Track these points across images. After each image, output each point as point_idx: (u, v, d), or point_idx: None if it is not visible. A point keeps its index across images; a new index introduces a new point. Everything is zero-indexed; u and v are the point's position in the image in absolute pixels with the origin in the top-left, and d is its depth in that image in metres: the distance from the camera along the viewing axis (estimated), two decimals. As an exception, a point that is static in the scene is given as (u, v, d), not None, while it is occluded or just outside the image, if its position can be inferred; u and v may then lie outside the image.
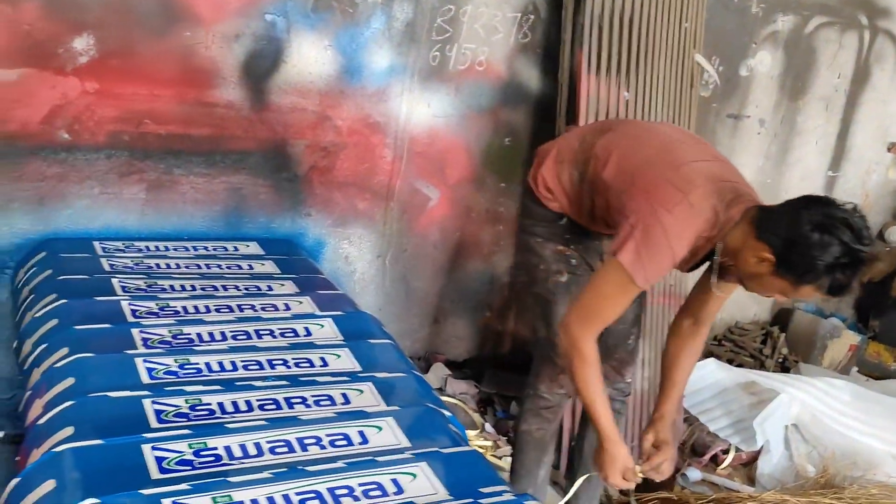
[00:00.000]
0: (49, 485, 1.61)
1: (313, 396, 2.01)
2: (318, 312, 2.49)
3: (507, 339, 3.86)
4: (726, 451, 3.59)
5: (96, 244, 2.80)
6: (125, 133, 2.84)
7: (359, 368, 2.19)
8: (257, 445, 1.78)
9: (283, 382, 2.07)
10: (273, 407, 1.96)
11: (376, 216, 3.34)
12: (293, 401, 1.99)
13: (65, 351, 2.09)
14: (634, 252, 2.14)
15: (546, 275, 2.57)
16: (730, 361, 4.30)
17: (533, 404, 2.72)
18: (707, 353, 4.24)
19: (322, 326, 2.40)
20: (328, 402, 2.00)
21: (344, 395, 2.03)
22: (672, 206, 2.14)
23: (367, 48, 3.10)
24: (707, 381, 3.87)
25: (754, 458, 3.57)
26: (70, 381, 1.95)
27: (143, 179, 2.91)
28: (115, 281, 2.51)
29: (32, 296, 2.46)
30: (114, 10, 2.70)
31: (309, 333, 2.36)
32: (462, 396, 3.43)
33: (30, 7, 2.60)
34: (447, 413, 2.05)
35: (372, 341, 2.36)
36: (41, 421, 1.85)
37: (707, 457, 3.55)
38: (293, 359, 2.20)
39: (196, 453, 1.73)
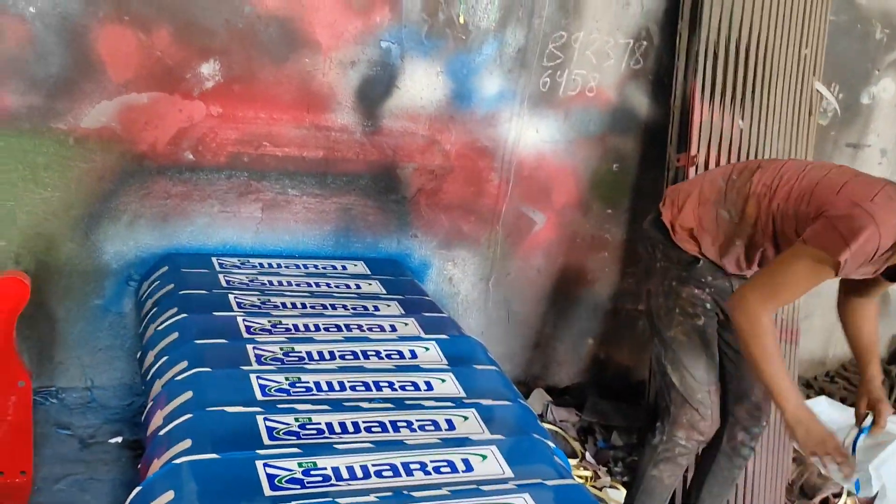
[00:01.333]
0: (168, 495, 1.68)
1: (418, 421, 2.04)
2: (423, 335, 2.52)
3: (609, 367, 3.81)
4: (838, 495, 3.43)
5: (214, 260, 2.93)
6: (245, 154, 2.96)
7: (463, 394, 2.20)
8: (364, 468, 1.82)
9: (389, 405, 2.10)
10: (379, 429, 1.99)
11: (481, 239, 3.37)
12: (399, 424, 2.02)
13: (184, 364, 2.18)
14: (836, 235, 2.12)
15: (680, 319, 2.54)
16: (843, 400, 4.11)
17: (669, 451, 2.64)
18: (819, 391, 4.08)
19: (427, 349, 2.44)
20: (433, 428, 2.02)
21: (448, 421, 2.05)
22: (871, 195, 2.15)
23: (478, 74, 3.14)
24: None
25: (869, 503, 3.40)
26: (189, 394, 2.04)
27: (259, 199, 3.02)
28: (231, 297, 2.61)
29: (155, 308, 2.59)
30: (239, 38, 2.83)
31: (414, 356, 2.40)
32: (563, 424, 3.41)
33: (162, 34, 2.74)
34: (552, 444, 2.04)
35: (477, 367, 2.37)
36: (162, 432, 1.93)
37: (818, 500, 3.41)
38: (399, 381, 2.23)
39: (306, 472, 1.77)
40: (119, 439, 2.76)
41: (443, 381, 2.26)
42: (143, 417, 2.13)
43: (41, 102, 2.68)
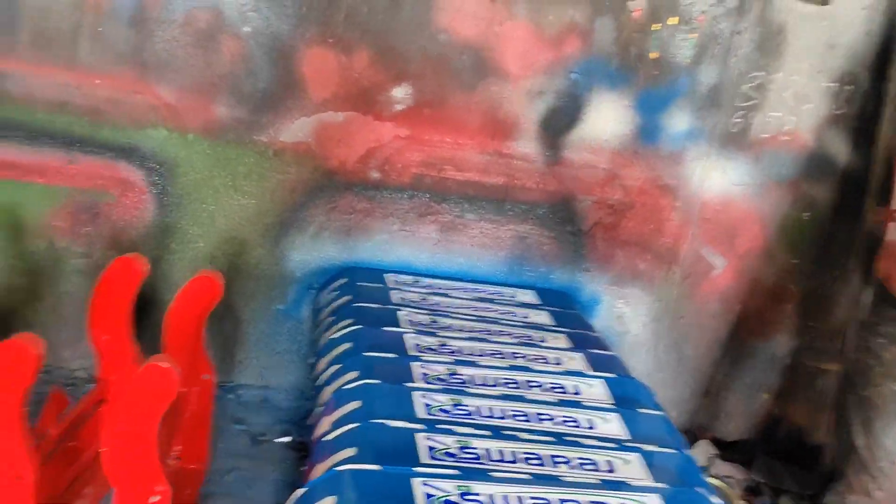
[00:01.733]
0: (329, 501, 1.74)
1: (578, 459, 2.00)
2: (589, 372, 2.47)
3: (783, 425, 3.58)
4: None
5: (389, 276, 3.02)
6: (428, 177, 3.04)
7: (627, 437, 2.14)
8: (520, 500, 1.80)
9: (549, 438, 2.07)
10: (537, 462, 1.97)
11: (656, 279, 3.27)
12: (557, 459, 1.98)
13: (355, 374, 2.25)
14: None
15: (882, 379, 2.37)
16: None
17: None
18: None
19: (592, 387, 2.39)
20: (592, 468, 1.97)
21: (609, 463, 1.99)
22: None
23: (667, 110, 3.07)
24: None
25: None
26: (357, 403, 2.10)
27: (437, 221, 3.09)
28: (401, 314, 2.67)
29: (331, 318, 2.69)
30: (433, 64, 2.91)
31: (578, 392, 2.35)
32: (728, 480, 3.23)
33: (362, 57, 2.87)
34: (716, 500, 1.94)
35: (642, 410, 2.30)
36: (328, 438, 2.00)
37: None
38: (560, 416, 2.20)
39: (462, 496, 1.78)
40: (287, 440, 2.89)
41: (606, 420, 2.20)
42: (310, 422, 2.21)
43: (247, 116, 2.88)
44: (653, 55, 3.00)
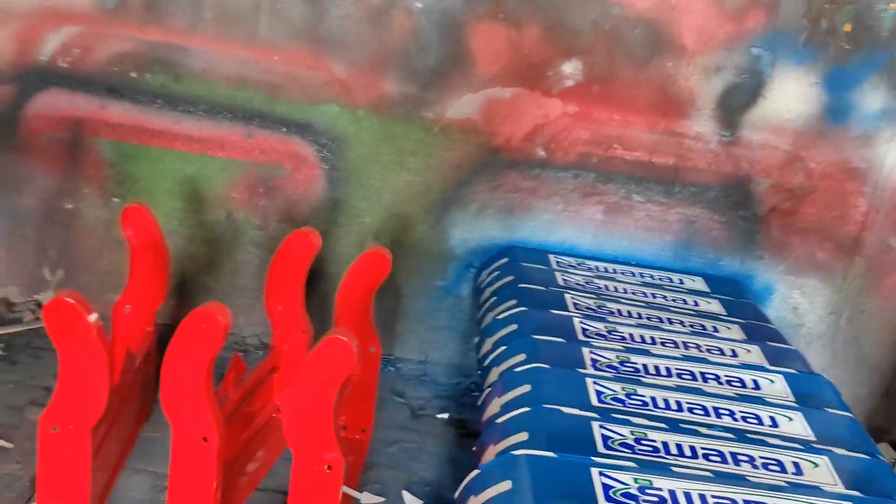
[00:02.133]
0: (505, 485, 1.71)
1: (762, 458, 1.89)
2: (767, 366, 2.35)
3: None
4: None
5: (551, 257, 2.96)
6: (594, 155, 2.95)
7: (813, 438, 2.01)
8: (702, 498, 1.72)
9: (729, 435, 1.97)
10: (718, 459, 1.88)
11: (836, 269, 3.06)
12: (740, 458, 1.89)
13: (522, 357, 2.22)
14: None
15: None
16: None
17: None
18: None
19: (772, 382, 2.26)
20: (777, 469, 1.86)
21: (796, 465, 1.88)
22: None
23: (860, 88, 2.85)
24: None
25: None
26: (526, 387, 2.07)
27: (602, 202, 3.00)
28: (567, 296, 2.62)
29: (494, 298, 2.67)
30: (604, 39, 2.82)
31: (757, 387, 2.23)
32: (909, 487, 3.01)
33: (532, 32, 2.81)
34: (918, 514, 1.79)
35: (829, 410, 2.16)
36: (499, 420, 1.98)
37: None
38: (740, 411, 2.09)
39: (641, 490, 1.71)
40: (446, 416, 2.90)
41: (790, 419, 2.08)
42: (479, 402, 2.20)
43: (415, 91, 2.88)
44: (846, 28, 2.78)
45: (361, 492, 2.42)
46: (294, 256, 2.51)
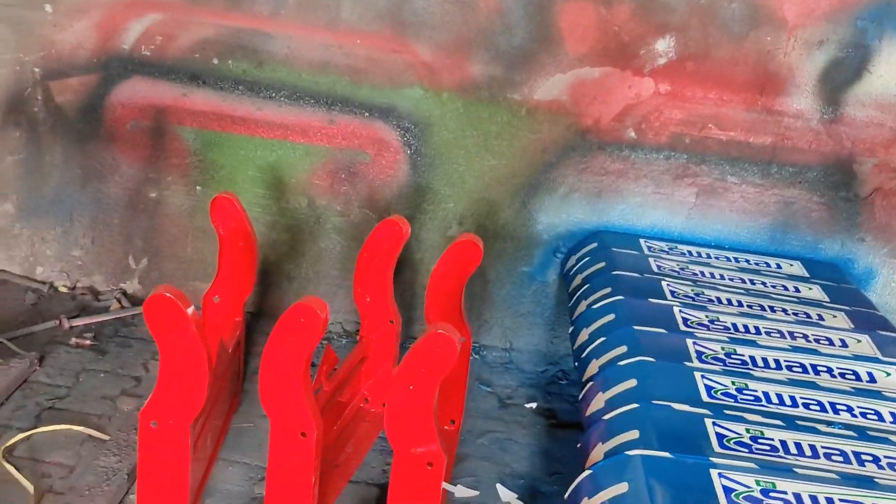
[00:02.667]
0: (621, 487, 1.65)
1: (887, 458, 1.78)
2: (881, 357, 2.22)
3: None
4: None
5: (642, 242, 2.86)
6: (687, 136, 2.84)
7: (941, 436, 1.89)
8: (829, 501, 1.63)
9: (850, 433, 1.87)
10: (841, 459, 1.78)
11: (945, 252, 2.91)
12: (864, 458, 1.79)
13: (623, 349, 2.14)
14: None
15: None
16: None
17: None
18: None
19: (888, 375, 2.14)
20: (907, 470, 1.76)
21: (926, 466, 1.77)
22: None
23: (977, 61, 2.68)
24: None
25: None
26: (632, 382, 1.99)
27: (695, 184, 2.89)
28: (663, 284, 2.52)
29: (587, 285, 2.59)
30: (698, 13, 2.70)
31: (873, 380, 2.12)
32: None
33: (622, 9, 2.70)
34: None
35: (955, 407, 2.03)
36: (605, 416, 1.91)
37: None
38: (858, 407, 1.98)
39: (765, 493, 1.63)
40: (534, 405, 2.84)
41: (913, 415, 1.96)
42: (580, 396, 2.13)
43: (501, 73, 2.79)
44: (963, -4, 2.62)
45: (455, 484, 2.38)
46: (383, 245, 2.46)
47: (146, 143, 2.95)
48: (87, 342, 2.81)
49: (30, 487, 2.15)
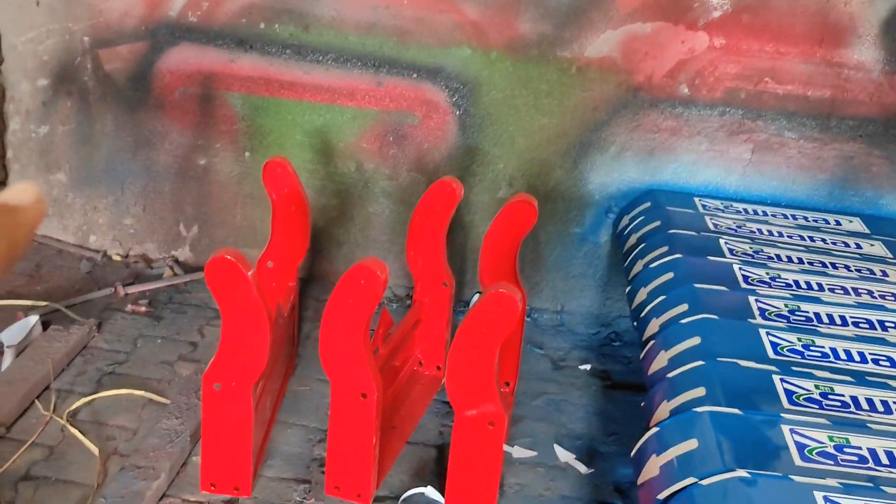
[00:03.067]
0: (691, 443, 1.63)
1: (963, 413, 1.74)
2: (948, 313, 2.17)
3: None
4: None
5: (696, 200, 2.81)
6: (742, 91, 2.77)
7: None
8: (906, 457, 1.60)
9: (923, 388, 1.83)
10: (915, 415, 1.74)
11: None
12: (939, 413, 1.75)
13: (684, 307, 2.11)
14: None
15: None
16: None
17: None
18: None
19: (958, 330, 2.09)
20: (983, 425, 1.71)
21: None
22: None
23: None
24: None
25: None
26: (695, 340, 1.96)
27: (751, 140, 2.82)
28: (721, 242, 2.48)
29: (643, 244, 2.55)
30: (756, -37, 2.62)
31: (942, 336, 2.07)
32: None
33: (676, -39, 2.63)
34: None
35: None
36: (670, 375, 1.88)
37: None
38: (929, 362, 1.94)
39: (838, 448, 1.60)
40: (587, 367, 2.82)
41: None
42: (641, 355, 2.10)
43: (551, 31, 2.74)
44: None
45: (512, 445, 2.37)
46: (435, 207, 2.44)
47: (195, 110, 2.95)
48: (143, 309, 2.84)
49: (95, 450, 2.18)
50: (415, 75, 2.83)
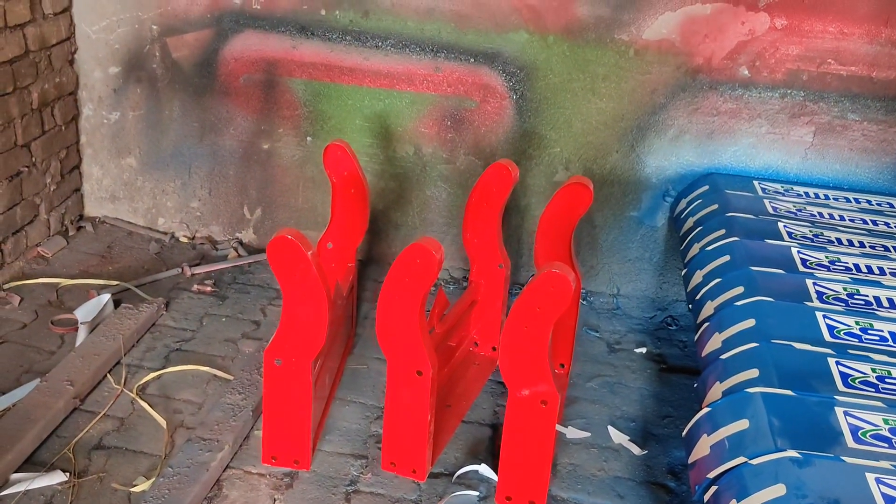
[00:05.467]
0: (742, 424, 1.63)
1: None
2: None
3: None
4: None
5: (755, 183, 2.79)
6: (804, 72, 2.73)
7: None
8: (964, 441, 1.58)
9: (985, 374, 1.80)
10: (976, 400, 1.71)
11: None
12: None
13: (740, 290, 2.10)
14: None
15: None
16: None
17: None
18: None
19: None
20: None
21: None
22: None
23: None
24: None
25: None
26: (750, 322, 1.96)
27: (812, 122, 2.78)
28: (780, 225, 2.45)
29: (699, 228, 2.54)
30: (819, -58, 2.57)
31: None
32: None
33: (736, -59, 2.60)
34: None
35: None
36: (723, 356, 1.89)
37: None
38: None
39: (893, 431, 1.59)
40: (643, 350, 2.82)
41: None
42: (695, 337, 2.11)
43: (608, 13, 2.74)
44: None
45: (566, 426, 2.40)
46: (492, 189, 2.47)
47: (258, 96, 3.03)
48: (209, 289, 2.94)
49: (163, 422, 2.28)
50: (472, 60, 2.86)
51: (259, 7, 2.91)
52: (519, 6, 2.77)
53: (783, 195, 2.72)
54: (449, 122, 2.95)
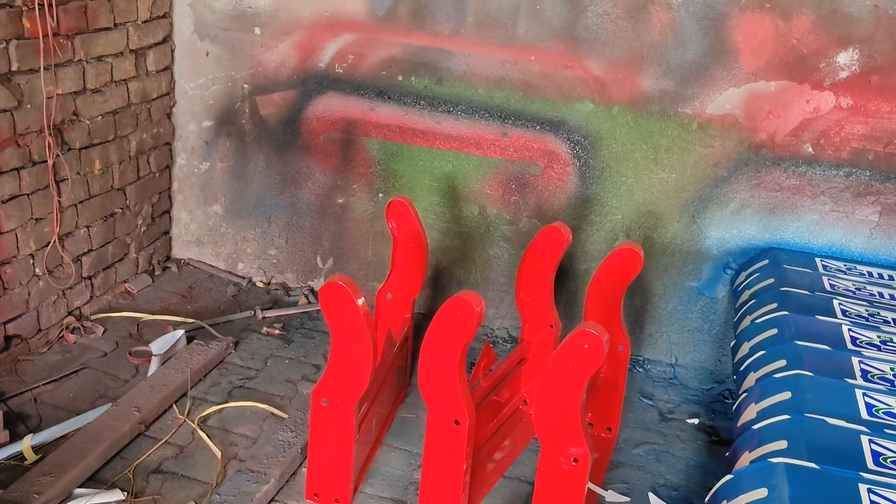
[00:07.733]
0: (760, 492, 1.63)
1: None
2: None
3: None
4: None
5: (817, 260, 2.77)
6: (870, 152, 2.73)
7: None
8: None
9: None
10: None
11: None
12: None
13: (782, 363, 2.10)
14: None
15: None
16: None
17: None
18: None
19: None
20: None
21: None
22: None
23: None
24: None
25: None
26: (786, 394, 1.96)
27: (879, 202, 2.76)
28: (835, 302, 2.43)
29: (753, 301, 2.54)
30: (885, 24, 2.60)
31: None
32: None
33: (802, 21, 2.65)
34: None
35: None
36: (755, 426, 1.89)
37: None
38: None
39: (918, 513, 1.56)
40: (696, 421, 2.81)
41: None
42: (734, 407, 2.11)
43: (673, 87, 2.82)
44: None
45: (606, 489, 2.41)
46: (545, 250, 2.55)
47: (336, 153, 3.22)
48: (277, 332, 3.10)
49: (218, 453, 2.41)
50: (538, 127, 2.98)
51: (342, 71, 3.12)
52: (586, 78, 2.88)
53: (845, 273, 2.69)
54: (514, 186, 3.05)
